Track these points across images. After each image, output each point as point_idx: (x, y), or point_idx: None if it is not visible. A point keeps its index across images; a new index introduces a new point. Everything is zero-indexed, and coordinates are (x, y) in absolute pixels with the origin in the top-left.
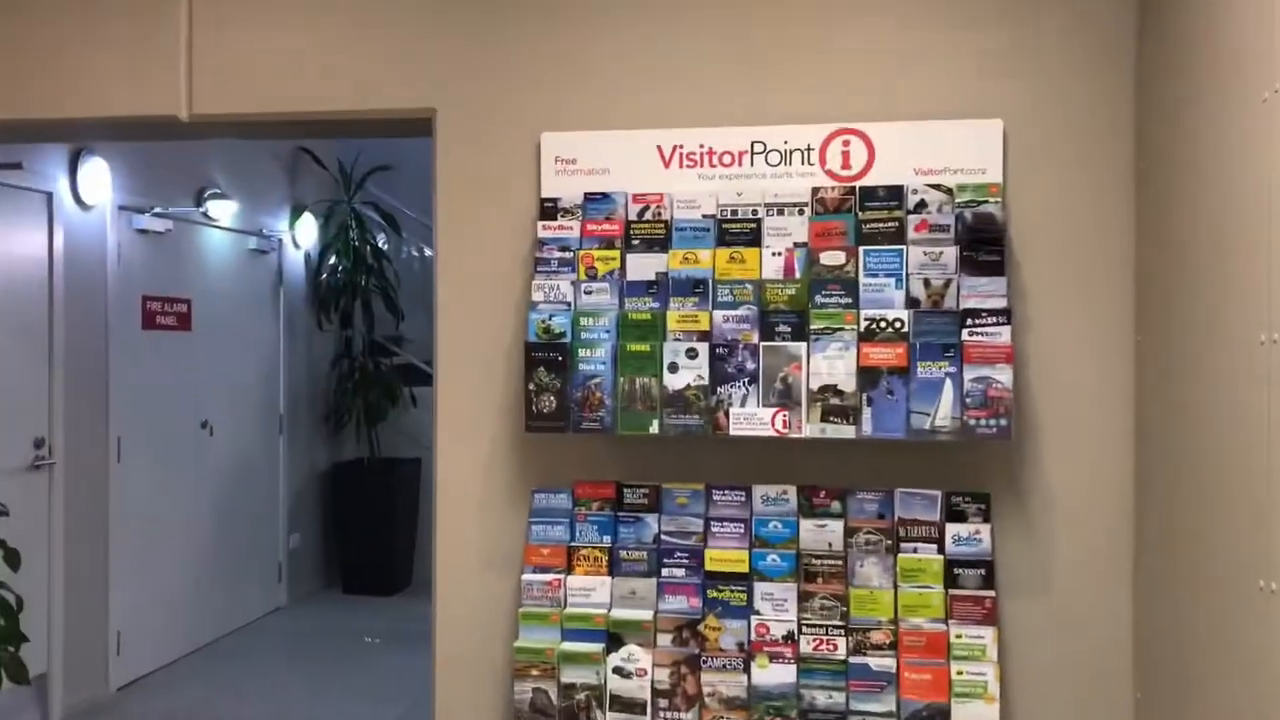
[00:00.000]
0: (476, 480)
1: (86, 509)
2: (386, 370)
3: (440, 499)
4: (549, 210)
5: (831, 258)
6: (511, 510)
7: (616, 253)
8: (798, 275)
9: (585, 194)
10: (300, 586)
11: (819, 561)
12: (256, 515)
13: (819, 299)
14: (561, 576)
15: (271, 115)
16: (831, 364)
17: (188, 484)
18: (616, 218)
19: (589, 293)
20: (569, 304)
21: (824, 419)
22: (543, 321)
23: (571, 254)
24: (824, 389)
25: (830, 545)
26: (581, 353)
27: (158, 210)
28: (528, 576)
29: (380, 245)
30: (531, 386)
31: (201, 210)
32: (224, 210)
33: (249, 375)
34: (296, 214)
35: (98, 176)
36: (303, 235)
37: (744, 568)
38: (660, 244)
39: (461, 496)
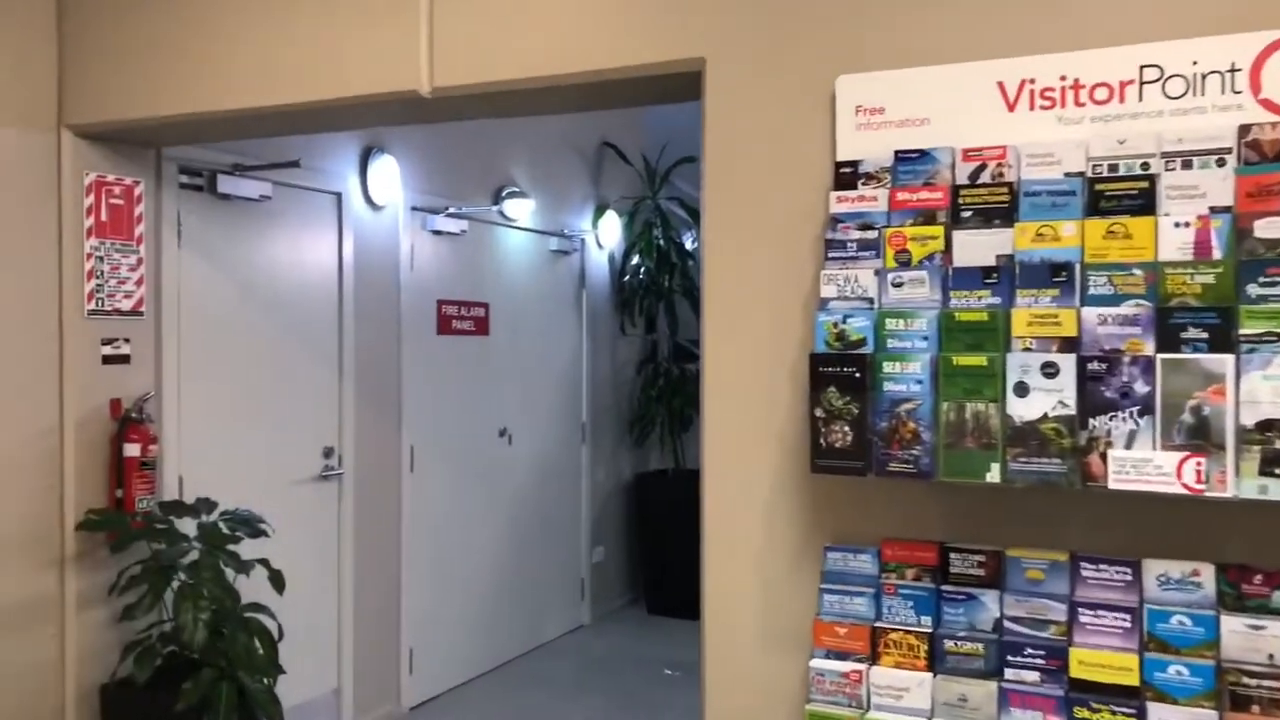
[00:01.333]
0: (753, 528)
1: (378, 520)
2: (691, 376)
3: (709, 550)
4: (845, 177)
5: (1272, 227)
6: (797, 571)
7: (939, 229)
8: (1217, 255)
9: (896, 153)
10: (603, 604)
11: (1255, 682)
12: (558, 527)
13: (1254, 290)
14: (864, 667)
15: (520, 82)
16: (1276, 388)
17: (485, 494)
18: (939, 182)
19: (899, 285)
20: (871, 301)
21: (1264, 471)
22: (834, 325)
23: (875, 233)
24: (1264, 425)
25: (1272, 657)
26: (888, 367)
27: (452, 210)
28: (818, 663)
29: (685, 244)
30: (819, 413)
31: (499, 210)
32: (522, 209)
33: (550, 381)
34: (599, 212)
35: (388, 176)
36: (606, 234)
37: (1132, 679)
38: (1002, 215)
39: (734, 548)
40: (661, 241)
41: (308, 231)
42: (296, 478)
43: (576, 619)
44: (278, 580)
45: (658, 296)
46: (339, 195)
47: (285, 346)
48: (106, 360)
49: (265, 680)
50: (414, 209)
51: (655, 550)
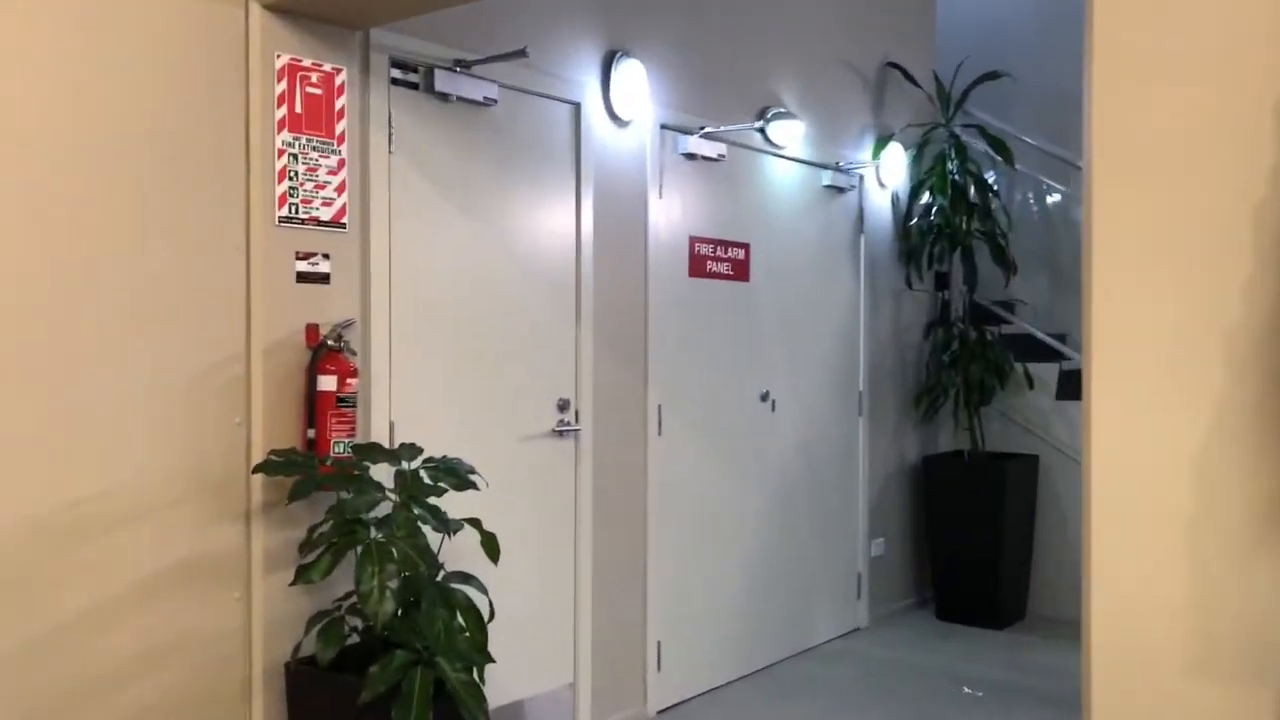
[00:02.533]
0: (1177, 498)
1: (619, 487)
2: (993, 341)
3: (1096, 528)
4: None
5: None
6: (1255, 558)
7: None
8: None
9: None
10: (882, 605)
11: None
12: (831, 512)
13: None
14: None
15: None
16: None
17: (744, 467)
18: None
19: None
20: None
21: None
22: None
23: None
24: None
25: None
26: None
27: (709, 130)
28: None
29: (988, 180)
30: None
31: (762, 132)
32: (791, 134)
33: (821, 340)
34: (881, 144)
35: (635, 85)
36: (888, 170)
37: None
38: None
39: (1141, 526)
40: (958, 176)
41: (539, 146)
42: (526, 432)
43: (851, 620)
44: (491, 545)
45: (952, 243)
46: (576, 105)
47: (512, 279)
48: (302, 278)
49: (471, 670)
50: (664, 127)
51: (947, 546)
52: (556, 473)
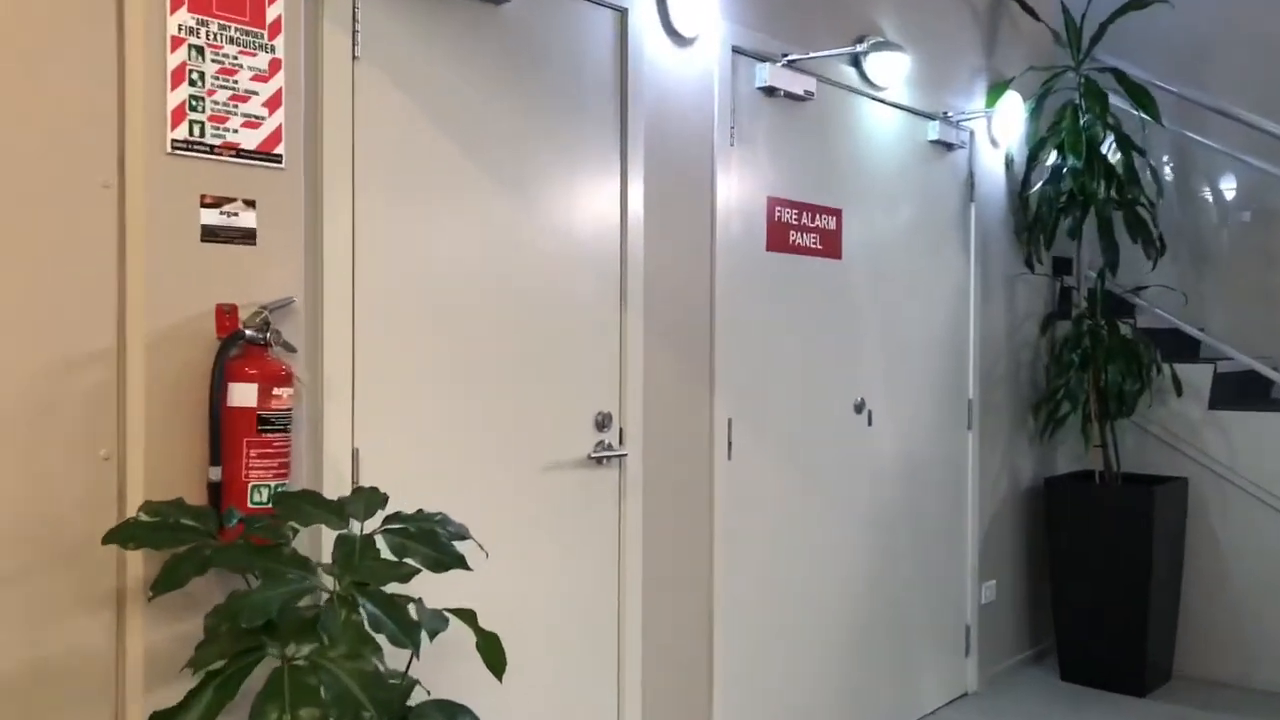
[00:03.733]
0: None
1: (679, 532)
2: (1133, 337)
3: None
4: None
5: None
6: None
7: None
8: None
9: None
10: (994, 662)
11: None
12: (934, 551)
13: None
14: None
15: None
16: None
17: (834, 498)
18: None
19: None
20: None
21: None
22: None
23: None
24: None
25: None
26: None
27: (793, 58)
28: None
29: (1131, 139)
30: None
31: (858, 65)
32: (894, 70)
33: (926, 335)
34: (995, 93)
35: None
36: (1003, 125)
37: None
38: None
39: None
40: (1091, 132)
41: (570, 65)
42: (552, 459)
43: (958, 683)
44: (493, 652)
45: (1083, 214)
46: (622, 12)
47: (532, 250)
48: (210, 235)
49: None
50: (736, 50)
51: (1073, 590)
52: (594, 515)
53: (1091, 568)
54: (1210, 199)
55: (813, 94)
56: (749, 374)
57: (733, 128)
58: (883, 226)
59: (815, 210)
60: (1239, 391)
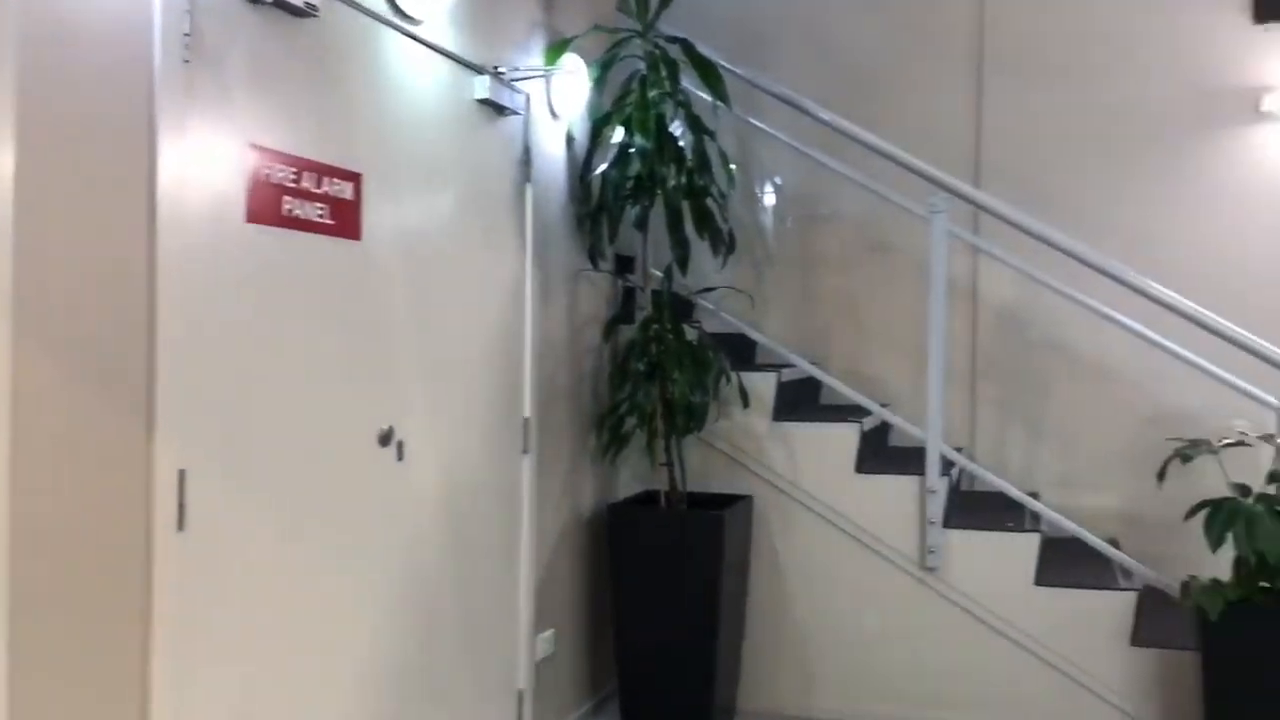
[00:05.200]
0: None
1: (77, 654)
2: (700, 343)
3: None
4: None
5: None
6: None
7: None
8: None
9: None
10: (553, 715)
11: None
12: (481, 606)
13: None
14: None
15: None
16: None
17: (351, 559)
18: None
19: None
20: None
21: None
22: None
23: None
24: None
25: None
26: None
27: None
28: None
29: (702, 121)
30: None
31: None
32: (432, 4)
33: (473, 343)
34: (555, 52)
35: None
36: (563, 93)
37: None
38: None
39: None
40: (661, 110)
41: None
42: None
43: None
44: None
45: (651, 202)
46: None
47: None
48: None
49: None
50: None
51: (636, 627)
52: None
53: (656, 600)
54: (769, 194)
55: (317, 9)
56: (218, 404)
57: (187, 37)
58: (419, 203)
59: (323, 171)
60: (796, 400)
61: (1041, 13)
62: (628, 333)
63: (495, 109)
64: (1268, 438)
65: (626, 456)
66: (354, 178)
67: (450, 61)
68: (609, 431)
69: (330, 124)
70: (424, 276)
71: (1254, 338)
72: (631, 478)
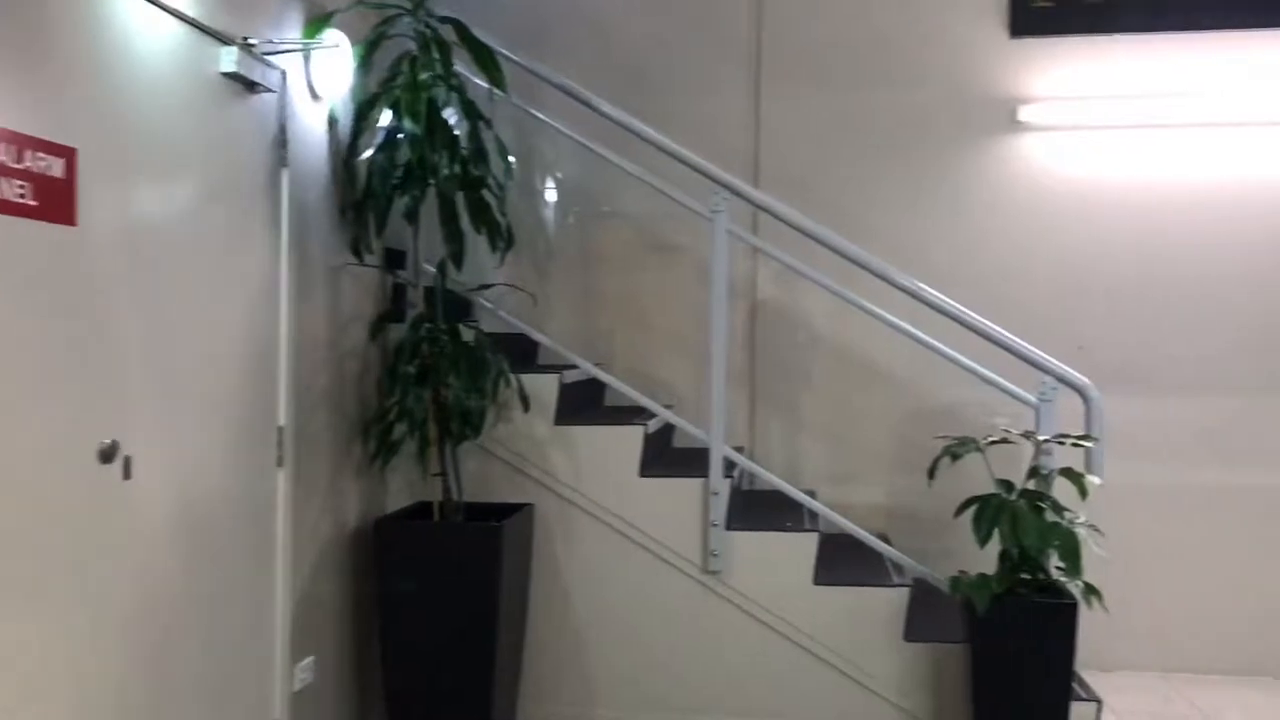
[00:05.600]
0: None
1: None
2: (477, 344)
3: None
4: None
5: None
6: None
7: None
8: None
9: None
10: None
11: None
12: (227, 638)
13: None
14: None
15: None
16: None
17: (65, 600)
18: None
19: None
20: None
21: None
22: None
23: None
24: None
25: None
26: None
27: None
28: None
29: (477, 107)
30: None
31: None
32: None
33: (216, 344)
34: (315, 28)
35: None
36: (325, 72)
37: None
38: None
39: None
40: (433, 93)
41: None
42: None
43: None
44: None
45: (422, 192)
46: None
47: None
48: None
49: None
50: None
51: (407, 648)
52: None
53: (429, 620)
54: (550, 189)
55: None
56: None
57: None
58: (150, 186)
59: (26, 144)
60: (579, 403)
61: (816, 19)
62: (398, 333)
63: (245, 85)
64: (1028, 435)
65: (396, 466)
66: (66, 153)
67: (191, 29)
68: (377, 439)
69: (36, 89)
70: (158, 268)
71: (1013, 338)
72: (403, 489)
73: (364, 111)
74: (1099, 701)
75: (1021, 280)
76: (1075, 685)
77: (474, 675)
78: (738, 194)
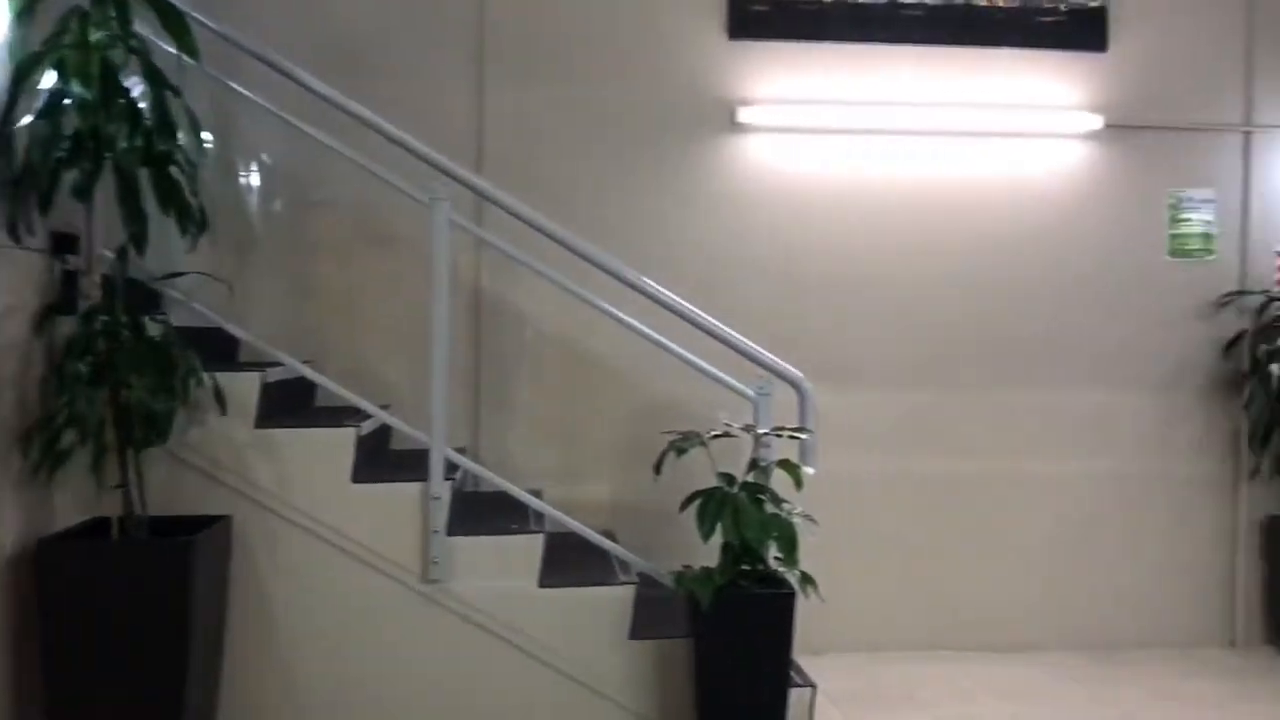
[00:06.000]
0: None
1: None
2: (165, 339)
3: None
4: None
5: None
6: None
7: None
8: None
9: None
10: None
11: None
12: None
13: None
14: None
15: None
16: None
17: None
18: None
19: None
20: None
21: None
22: None
23: None
24: None
25: None
26: None
27: None
28: None
29: (164, 75)
30: None
31: None
32: None
33: None
34: None
35: None
36: None
37: None
38: None
39: None
40: (111, 53)
41: None
42: None
43: None
44: None
45: (96, 166)
46: None
47: None
48: None
49: None
50: None
51: (82, 691)
52: None
53: (107, 654)
54: (254, 171)
55: None
56: None
57: None
58: None
59: None
60: (287, 404)
61: (540, 8)
62: (69, 326)
63: None
64: (748, 428)
65: (66, 479)
66: None
67: None
68: (41, 449)
69: None
70: None
71: (734, 333)
72: (75, 504)
73: (24, 72)
74: (814, 686)
75: (743, 277)
76: (792, 672)
77: (161, 712)
78: (458, 180)
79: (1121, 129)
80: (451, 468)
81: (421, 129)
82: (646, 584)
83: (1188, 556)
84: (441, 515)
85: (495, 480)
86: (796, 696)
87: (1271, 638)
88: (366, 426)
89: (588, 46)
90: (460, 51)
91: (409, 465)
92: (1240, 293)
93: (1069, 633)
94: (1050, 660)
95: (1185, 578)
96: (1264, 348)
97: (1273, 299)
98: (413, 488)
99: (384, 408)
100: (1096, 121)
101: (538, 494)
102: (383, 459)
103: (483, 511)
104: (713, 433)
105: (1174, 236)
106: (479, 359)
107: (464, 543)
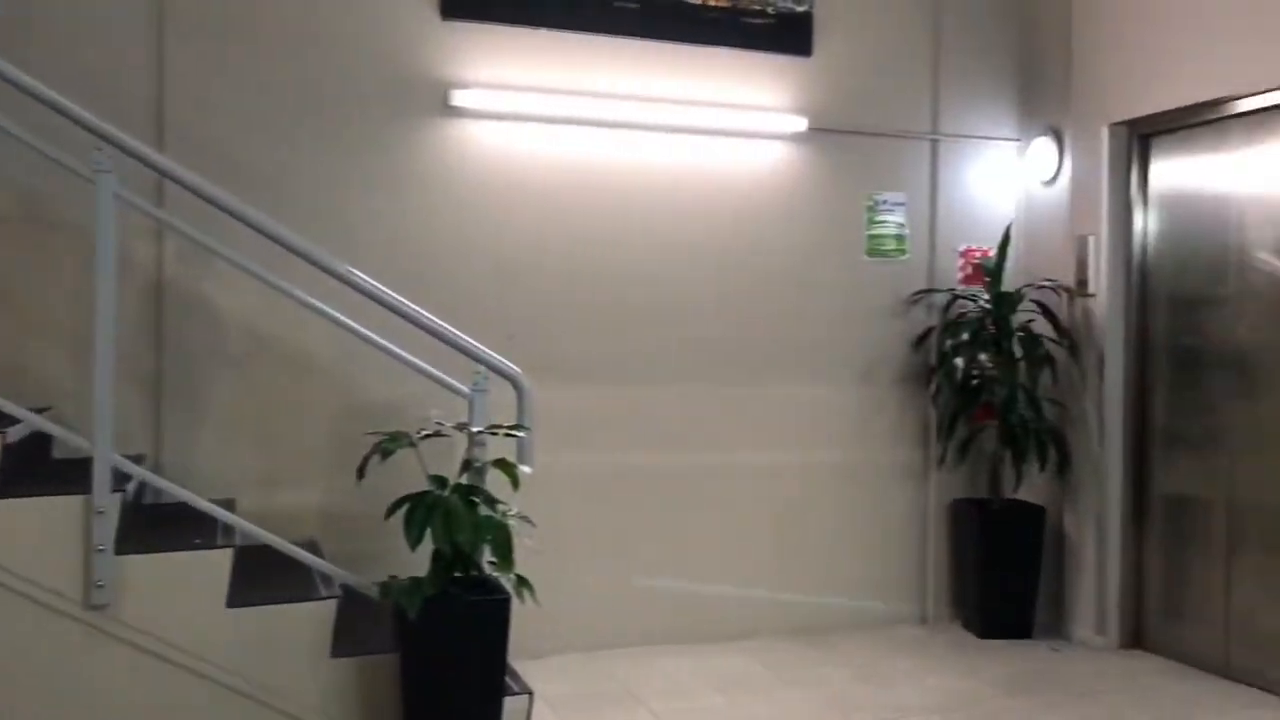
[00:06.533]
0: None
1: None
2: None
3: None
4: None
5: None
6: None
7: None
8: None
9: None
10: None
11: None
12: None
13: None
14: None
15: None
16: None
17: None
18: None
19: None
20: None
21: None
22: None
23: None
24: None
25: None
26: None
27: None
28: None
29: None
30: None
31: None
32: None
33: None
34: None
35: None
36: None
37: None
38: None
39: None
40: None
41: None
42: None
43: None
44: None
45: None
46: None
47: None
48: None
49: None
50: None
51: None
52: None
53: None
54: None
55: None
56: None
57: None
58: None
59: None
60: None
61: None
62: None
63: None
64: (461, 426)
65: None
66: None
67: None
68: None
69: None
70: None
71: (448, 327)
72: None
73: None
74: (530, 693)
75: (458, 267)
76: (508, 679)
77: None
78: (127, 151)
79: (824, 132)
80: (124, 478)
81: (88, 95)
82: (354, 599)
83: (886, 541)
84: (108, 531)
85: (174, 490)
86: (511, 705)
87: (956, 614)
88: (17, 433)
89: (289, 10)
90: (134, 11)
91: (73, 475)
92: (929, 291)
93: (783, 620)
94: (766, 648)
95: (884, 561)
96: (950, 342)
97: (957, 296)
98: (73, 501)
99: (44, 410)
100: (801, 124)
101: (230, 504)
102: (41, 469)
103: (166, 525)
104: (423, 432)
105: (871, 237)
106: (162, 357)
107: (137, 561)
